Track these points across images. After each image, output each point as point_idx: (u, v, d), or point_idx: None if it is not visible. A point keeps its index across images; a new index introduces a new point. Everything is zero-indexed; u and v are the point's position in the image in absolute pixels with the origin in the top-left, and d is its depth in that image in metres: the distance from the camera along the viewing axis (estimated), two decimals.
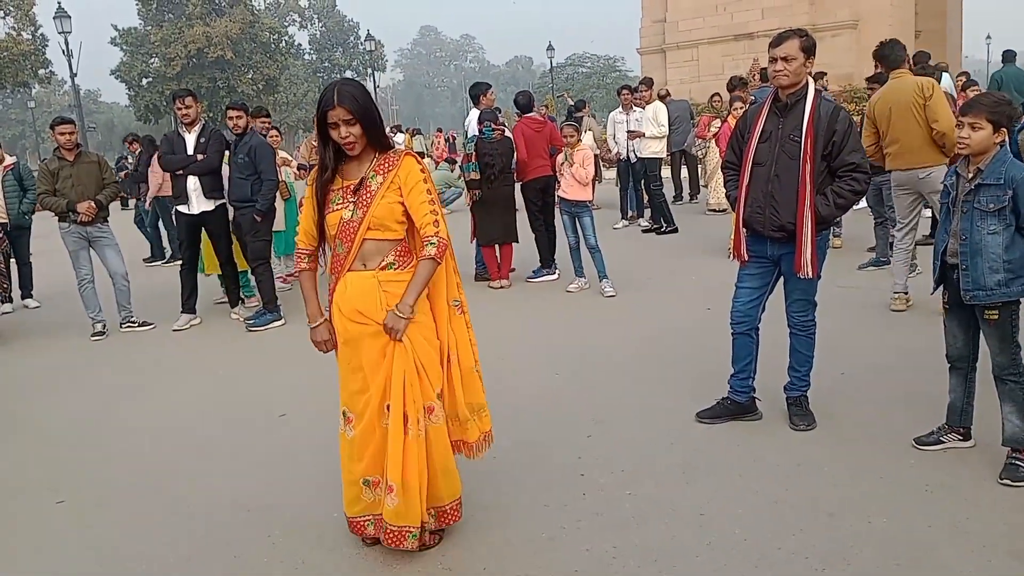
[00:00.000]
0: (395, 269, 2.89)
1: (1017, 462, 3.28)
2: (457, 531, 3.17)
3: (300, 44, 60.67)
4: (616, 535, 3.12)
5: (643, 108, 10.56)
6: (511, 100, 8.95)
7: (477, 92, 8.27)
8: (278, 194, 7.23)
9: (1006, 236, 3.23)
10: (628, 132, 10.48)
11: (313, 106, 57.72)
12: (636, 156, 10.53)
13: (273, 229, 7.20)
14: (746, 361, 4.07)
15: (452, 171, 14.36)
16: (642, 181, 10.73)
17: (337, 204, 2.88)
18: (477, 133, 7.71)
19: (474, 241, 7.92)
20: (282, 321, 6.94)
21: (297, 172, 8.73)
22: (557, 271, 8.02)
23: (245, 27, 48.34)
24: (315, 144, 8.48)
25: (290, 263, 9.01)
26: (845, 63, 22.87)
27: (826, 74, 12.43)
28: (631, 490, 3.47)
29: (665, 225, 10.30)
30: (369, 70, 50.36)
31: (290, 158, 8.97)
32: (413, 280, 2.85)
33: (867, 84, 6.99)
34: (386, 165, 2.87)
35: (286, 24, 58.31)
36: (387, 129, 21.71)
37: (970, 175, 3.31)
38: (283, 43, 53.45)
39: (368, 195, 2.83)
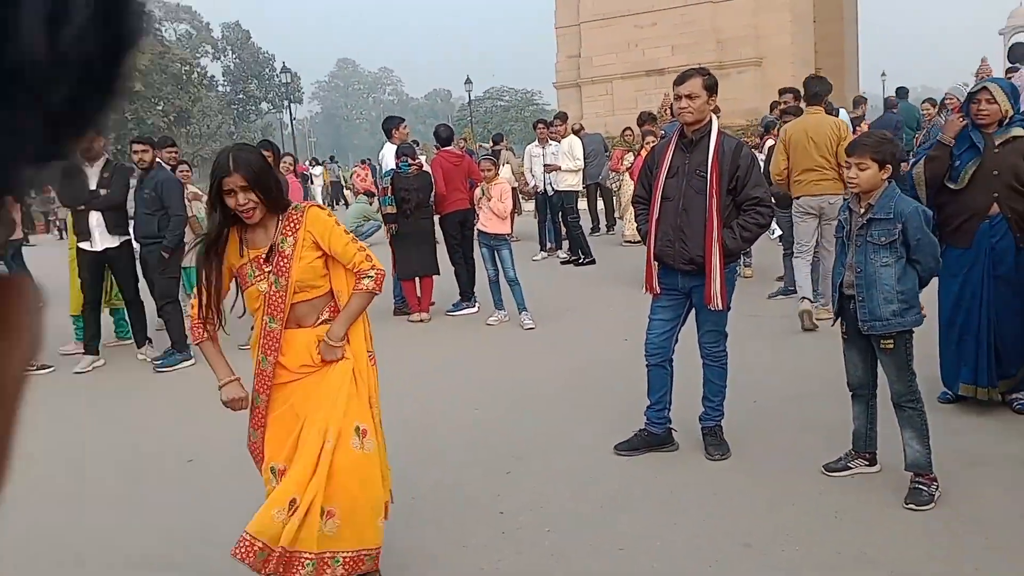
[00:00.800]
0: (331, 323, 2.86)
1: (920, 486, 3.40)
2: None
3: (213, 76, 59.58)
4: (536, 574, 3.08)
5: (559, 142, 10.73)
6: (431, 132, 8.96)
7: (390, 127, 8.25)
8: (189, 229, 7.02)
9: (898, 268, 3.37)
10: (545, 165, 10.61)
11: (227, 139, 56.76)
12: (553, 189, 10.67)
13: (184, 265, 6.98)
14: (661, 392, 4.11)
15: (371, 204, 14.24)
16: (559, 213, 10.86)
17: (253, 278, 2.79)
18: (394, 167, 7.68)
19: (394, 274, 7.85)
20: (191, 361, 6.69)
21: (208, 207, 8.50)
22: (477, 304, 8.00)
23: (155, 58, 47.19)
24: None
25: None
26: (750, 98, 23.78)
27: (779, 103, 12.09)
28: (550, 527, 3.44)
29: (583, 256, 10.42)
30: (286, 102, 49.74)
31: (201, 193, 8.72)
32: (344, 311, 2.83)
33: (782, 118, 7.38)
34: (292, 224, 2.79)
35: (199, 56, 57.25)
36: (305, 162, 21.40)
37: (862, 210, 3.44)
38: (195, 75, 52.39)
39: (284, 260, 2.75)
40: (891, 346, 3.40)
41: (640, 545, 3.24)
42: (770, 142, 8.54)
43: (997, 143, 4.08)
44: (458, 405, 5.11)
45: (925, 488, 3.40)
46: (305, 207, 2.85)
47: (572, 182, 10.61)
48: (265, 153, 7.03)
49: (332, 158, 29.16)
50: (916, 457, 3.43)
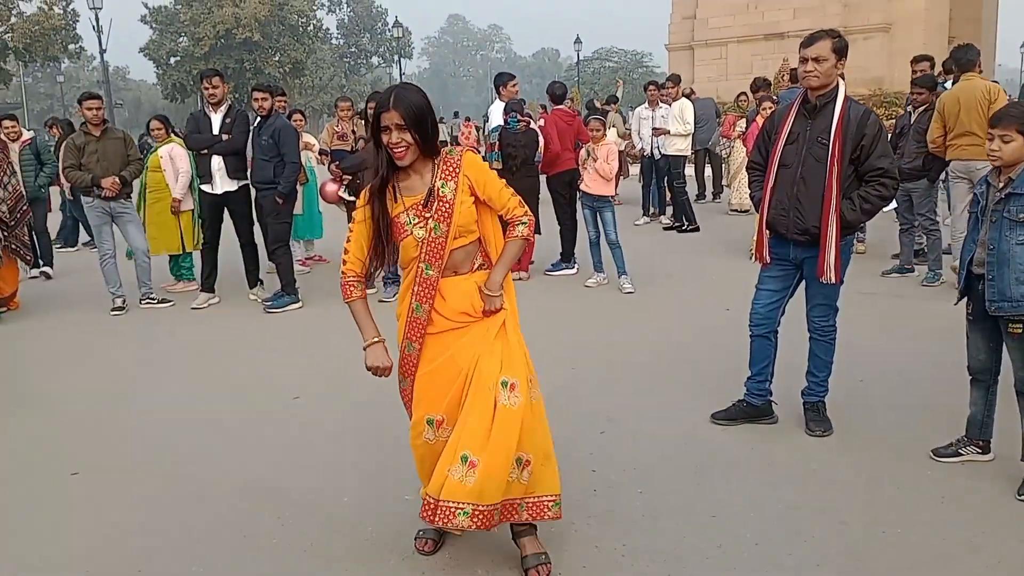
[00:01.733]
0: (486, 269, 2.83)
1: None
2: None
3: (328, 28, 60.79)
4: (626, 533, 3.10)
5: (669, 104, 10.50)
6: (537, 92, 8.95)
7: (500, 83, 8.26)
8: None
9: None
10: (653, 129, 10.41)
11: (338, 91, 57.93)
12: (660, 153, 10.47)
13: (295, 212, 7.24)
14: (763, 364, 4.03)
15: None
16: (665, 178, 10.67)
17: (411, 225, 2.71)
18: (502, 123, 7.70)
19: None
20: (299, 304, 6.97)
21: (319, 157, 8.75)
22: (576, 265, 8.00)
23: (274, 9, 48.53)
24: (337, 129, 8.40)
25: (310, 247, 9.05)
26: (876, 67, 22.62)
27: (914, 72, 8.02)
28: (642, 488, 3.45)
29: (687, 223, 10.24)
30: (396, 57, 50.40)
31: (313, 142, 8.99)
32: (501, 259, 2.81)
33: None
34: (451, 168, 2.72)
35: (315, 8, 58.43)
36: None
37: (1001, 184, 3.25)
38: (311, 27, 53.59)
39: (446, 205, 2.68)
40: (1020, 330, 3.21)
41: (734, 514, 3.21)
42: None
43: None
44: (553, 364, 5.12)
45: None
46: (461, 151, 2.78)
47: (681, 147, 10.38)
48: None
49: (456, 114, 29.86)
50: None
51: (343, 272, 2.82)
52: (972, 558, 2.84)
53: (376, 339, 2.80)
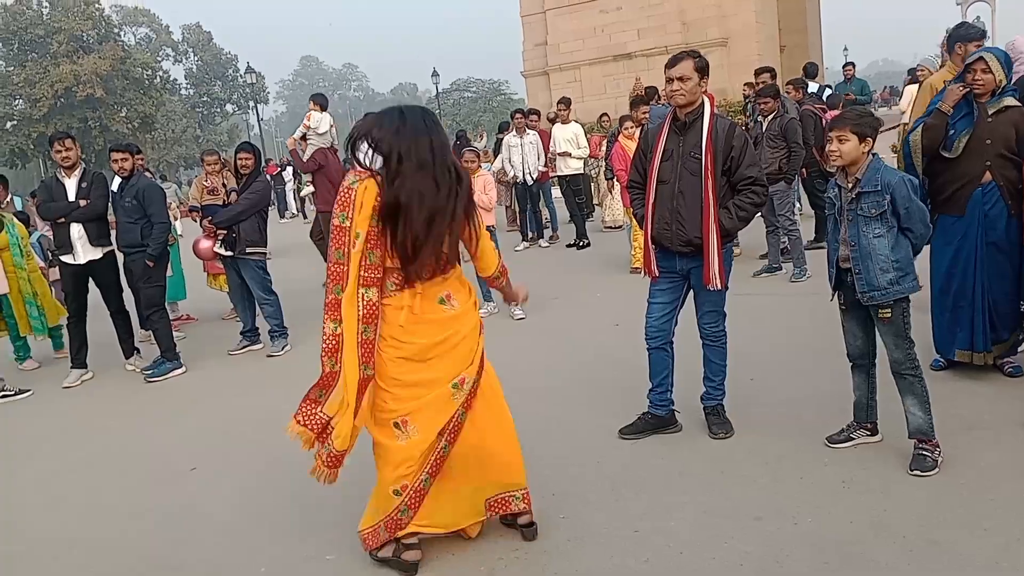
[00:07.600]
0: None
1: (924, 452, 3.46)
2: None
3: (176, 79, 58.78)
4: (555, 560, 3.10)
5: (535, 131, 10.89)
6: None
7: None
8: None
9: (891, 238, 3.42)
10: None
11: (193, 143, 55.85)
12: (531, 179, 10.77)
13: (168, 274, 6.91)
14: (663, 375, 4.14)
15: None
16: (567, 198, 11.23)
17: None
18: None
19: None
20: (182, 369, 6.64)
21: (189, 214, 8.40)
22: None
23: (116, 64, 46.51)
24: (206, 184, 8.05)
25: (174, 308, 8.66)
26: (717, 79, 23.82)
27: (757, 84, 9.50)
28: (564, 513, 3.47)
29: (582, 240, 10.69)
30: (251, 103, 49.21)
31: (171, 202, 8.63)
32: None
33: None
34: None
35: (160, 59, 56.40)
36: (276, 162, 21.13)
37: (850, 185, 3.49)
38: (157, 79, 51.64)
39: None
40: (889, 315, 3.45)
41: (655, 526, 3.27)
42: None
43: (990, 112, 4.12)
44: None
45: (929, 454, 3.46)
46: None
47: (578, 165, 10.94)
48: (246, 156, 6.92)
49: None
50: (919, 424, 3.49)
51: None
52: (880, 537, 3.00)
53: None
